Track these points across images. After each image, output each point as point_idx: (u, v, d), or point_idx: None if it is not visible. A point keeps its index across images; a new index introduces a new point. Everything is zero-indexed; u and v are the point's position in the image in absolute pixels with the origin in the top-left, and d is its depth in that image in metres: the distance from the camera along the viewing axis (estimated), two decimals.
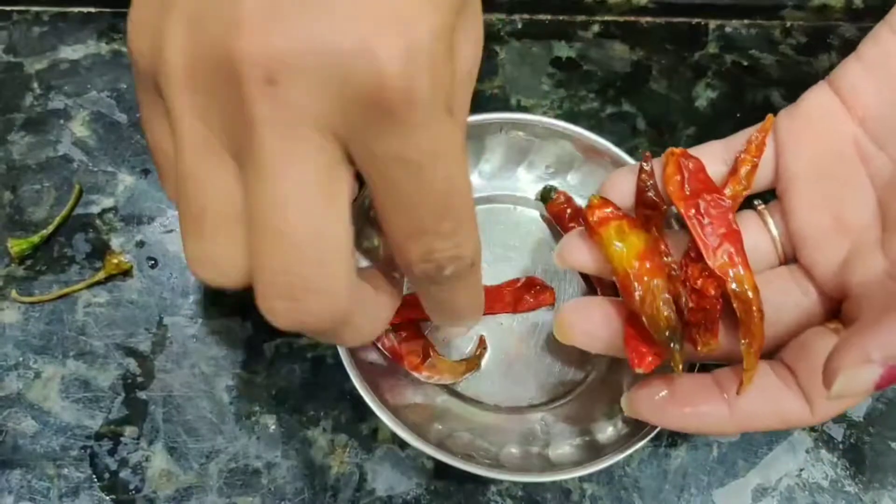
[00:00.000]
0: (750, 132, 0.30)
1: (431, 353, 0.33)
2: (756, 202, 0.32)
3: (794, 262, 0.30)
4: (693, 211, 0.28)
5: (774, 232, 0.30)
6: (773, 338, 0.28)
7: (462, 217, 0.22)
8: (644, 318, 0.28)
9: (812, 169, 0.28)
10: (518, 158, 0.38)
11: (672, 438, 0.36)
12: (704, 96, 0.42)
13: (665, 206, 0.30)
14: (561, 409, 0.35)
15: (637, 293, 0.28)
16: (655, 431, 0.31)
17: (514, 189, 0.38)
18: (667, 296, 0.27)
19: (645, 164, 0.30)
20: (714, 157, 0.30)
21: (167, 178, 0.24)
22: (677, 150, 0.30)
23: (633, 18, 0.44)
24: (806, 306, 0.29)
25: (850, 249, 0.27)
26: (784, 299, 0.28)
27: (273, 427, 0.35)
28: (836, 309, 0.28)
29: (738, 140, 0.30)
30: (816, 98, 0.29)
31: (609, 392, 0.35)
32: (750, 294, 0.27)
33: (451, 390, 0.35)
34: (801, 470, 0.36)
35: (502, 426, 0.34)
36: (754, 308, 0.27)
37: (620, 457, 0.31)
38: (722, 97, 0.42)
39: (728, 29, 0.44)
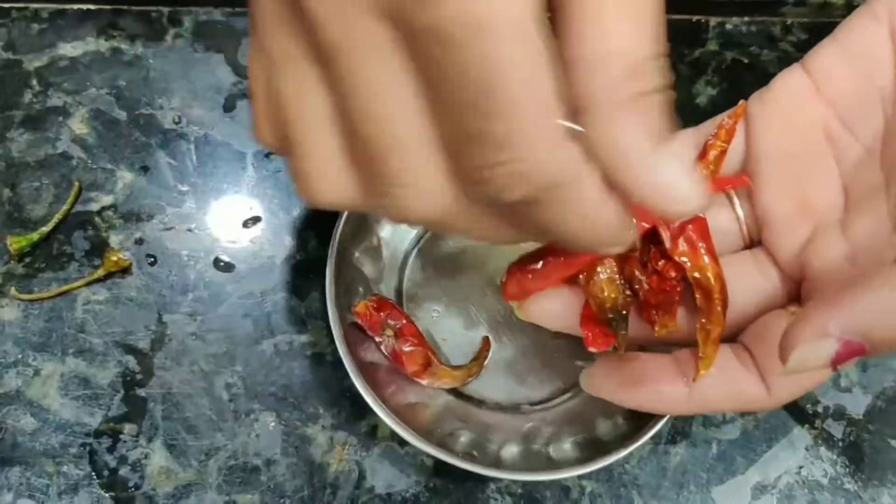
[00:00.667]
0: (722, 118, 0.30)
1: (433, 361, 0.33)
2: None
3: (759, 244, 0.30)
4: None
5: (740, 213, 0.29)
6: (733, 321, 0.27)
7: (521, 114, 0.17)
8: (589, 299, 0.27)
9: (779, 151, 0.28)
10: None
11: (672, 436, 0.36)
12: (705, 93, 0.42)
13: None
14: (561, 408, 0.35)
15: (583, 273, 0.27)
16: (656, 429, 0.31)
17: None
18: (612, 276, 0.27)
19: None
20: (685, 143, 0.30)
21: (261, 116, 0.22)
22: None
23: None
24: (767, 290, 0.28)
25: (812, 232, 0.27)
26: (745, 283, 0.28)
27: (272, 425, 0.35)
28: (798, 293, 0.28)
29: (711, 126, 0.30)
30: (788, 80, 0.29)
31: None
32: (713, 282, 0.26)
33: (451, 389, 0.35)
34: (801, 467, 0.36)
35: (503, 425, 0.34)
36: (716, 297, 0.26)
37: (619, 456, 0.31)
38: (722, 94, 0.42)
39: (728, 26, 0.44)
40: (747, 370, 0.26)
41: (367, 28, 0.17)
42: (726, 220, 0.30)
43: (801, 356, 0.21)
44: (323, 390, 0.35)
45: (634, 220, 0.21)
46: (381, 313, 0.33)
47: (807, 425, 0.36)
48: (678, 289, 0.28)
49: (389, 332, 0.33)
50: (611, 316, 0.27)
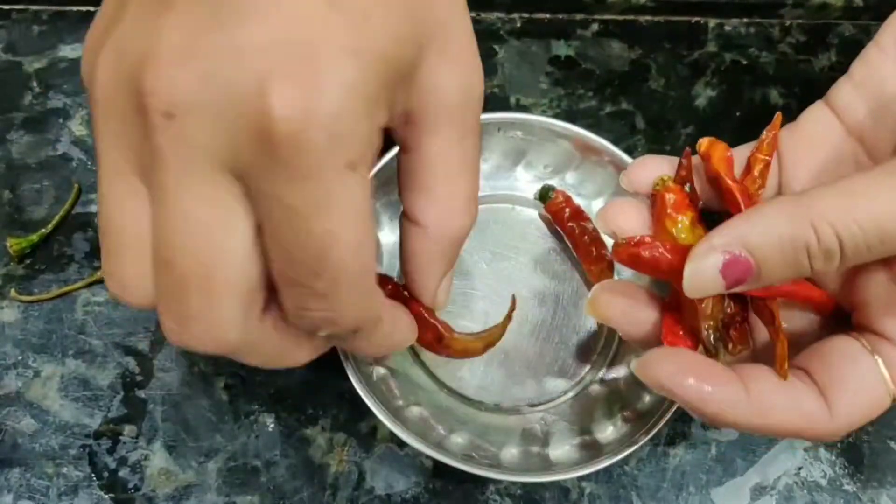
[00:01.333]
0: (755, 143, 0.31)
1: (444, 334, 0.31)
2: None
3: None
4: (741, 193, 0.28)
5: None
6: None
7: (342, 280, 0.20)
8: (699, 315, 0.27)
9: (810, 182, 0.29)
10: (516, 158, 0.38)
11: (671, 438, 0.36)
12: (703, 95, 0.42)
13: (701, 204, 0.30)
14: (560, 409, 0.35)
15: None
16: (655, 431, 0.31)
17: (513, 189, 0.38)
18: (720, 295, 0.27)
19: (684, 159, 0.30)
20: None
21: None
22: (715, 140, 0.30)
23: (632, 17, 0.44)
24: (813, 318, 0.29)
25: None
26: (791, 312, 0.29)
27: (272, 426, 0.35)
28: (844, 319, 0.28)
29: (747, 149, 0.31)
30: (815, 115, 0.29)
31: (608, 392, 0.35)
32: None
33: (450, 390, 0.35)
34: (800, 469, 0.36)
35: (502, 426, 0.34)
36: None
37: (618, 457, 0.31)
38: (721, 96, 0.42)
39: (727, 27, 0.44)
40: (807, 386, 0.25)
41: (204, 174, 0.19)
42: None
43: (693, 267, 0.24)
44: (322, 391, 0.35)
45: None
46: (385, 288, 0.31)
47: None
48: (747, 312, 0.28)
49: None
50: (712, 334, 0.27)
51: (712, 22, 0.44)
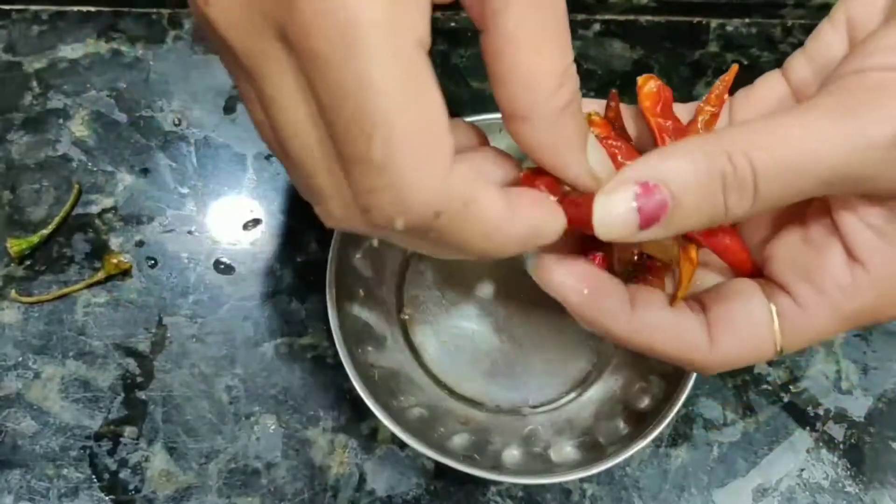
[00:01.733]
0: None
1: None
2: None
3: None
4: (663, 128, 0.29)
5: None
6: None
7: (398, 142, 0.17)
8: (616, 257, 0.27)
9: None
10: (519, 159, 0.38)
11: (672, 439, 0.36)
12: (705, 95, 0.42)
13: (632, 143, 0.30)
14: (561, 411, 0.35)
15: None
16: (657, 432, 0.31)
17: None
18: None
19: (611, 101, 0.30)
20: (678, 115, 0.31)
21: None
22: (654, 76, 0.30)
23: (633, 17, 0.44)
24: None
25: (773, 228, 0.28)
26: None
27: (273, 427, 0.35)
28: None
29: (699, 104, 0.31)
30: (768, 82, 0.29)
31: (610, 394, 0.35)
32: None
33: (451, 391, 0.35)
34: (802, 470, 0.36)
35: (504, 427, 0.34)
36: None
37: (619, 459, 0.31)
38: None
39: (728, 28, 0.44)
40: (694, 314, 0.25)
41: (265, 48, 0.18)
42: None
43: (604, 201, 0.21)
44: (323, 393, 0.35)
45: (559, 211, 0.23)
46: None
47: (808, 428, 0.36)
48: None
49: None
50: (628, 269, 0.27)
51: (714, 22, 0.44)
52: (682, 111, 0.30)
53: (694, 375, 0.32)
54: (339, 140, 0.18)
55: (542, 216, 0.22)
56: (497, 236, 0.21)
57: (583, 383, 0.35)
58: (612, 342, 0.28)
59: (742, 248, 0.27)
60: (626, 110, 0.30)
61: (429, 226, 0.19)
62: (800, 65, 0.29)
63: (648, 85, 0.29)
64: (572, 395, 0.35)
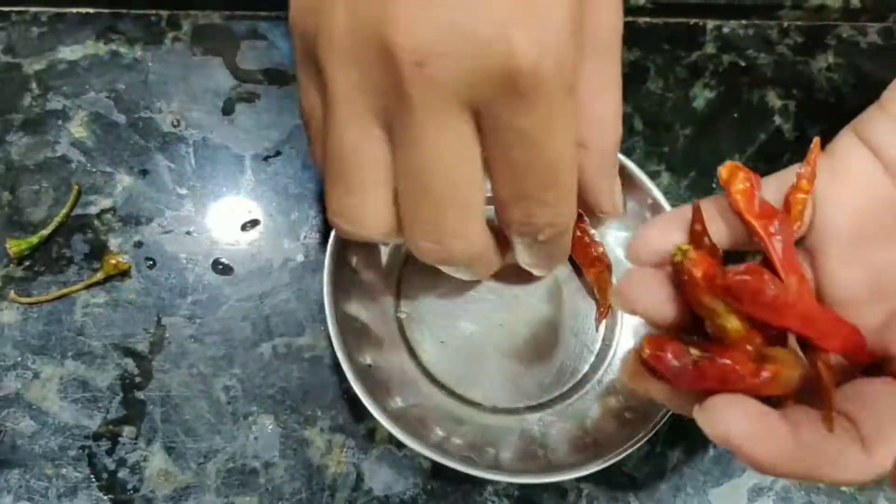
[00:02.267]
0: (796, 168, 0.28)
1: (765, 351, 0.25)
2: None
3: None
4: (771, 232, 0.26)
5: (809, 275, 0.28)
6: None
7: (565, 188, 0.25)
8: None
9: (852, 227, 0.27)
10: None
11: (669, 439, 0.36)
12: (702, 96, 0.43)
13: (721, 255, 0.27)
14: (558, 410, 0.35)
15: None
16: (653, 432, 0.31)
17: None
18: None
19: (696, 212, 0.27)
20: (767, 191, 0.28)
21: (316, 143, 0.28)
22: (740, 165, 0.27)
23: (630, 18, 0.44)
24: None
25: (889, 313, 0.26)
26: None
27: (271, 427, 0.35)
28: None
29: (788, 175, 0.28)
30: (849, 149, 0.28)
31: (606, 393, 0.35)
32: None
33: (449, 391, 0.35)
34: None
35: (500, 427, 0.34)
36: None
37: (616, 459, 0.31)
38: (719, 97, 0.42)
39: (725, 29, 0.44)
40: (850, 436, 0.24)
41: (450, 112, 0.23)
42: None
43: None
44: (321, 393, 0.35)
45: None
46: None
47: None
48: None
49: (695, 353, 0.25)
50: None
51: (711, 23, 0.44)
52: (773, 185, 0.28)
53: None
54: (520, 184, 0.25)
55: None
56: (568, 246, 0.30)
57: (580, 383, 0.36)
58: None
59: (867, 354, 0.26)
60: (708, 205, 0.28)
61: (555, 239, 0.27)
62: (883, 128, 0.27)
63: (738, 179, 0.26)
64: (569, 394, 0.35)
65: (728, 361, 0.23)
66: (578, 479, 0.35)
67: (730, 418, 0.22)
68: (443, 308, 0.36)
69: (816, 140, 0.28)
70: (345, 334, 0.32)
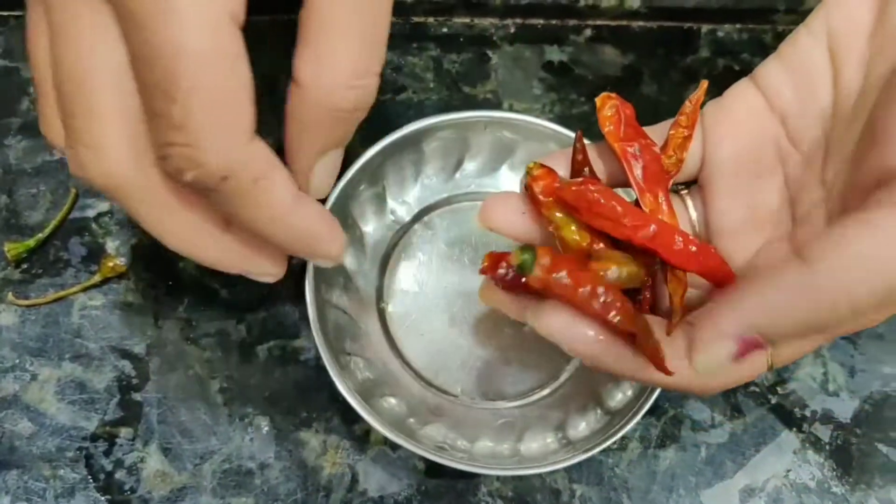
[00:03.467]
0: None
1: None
2: (679, 187, 0.32)
3: None
4: (628, 152, 0.28)
5: (693, 216, 0.30)
6: None
7: (195, 101, 0.19)
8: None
9: (734, 162, 0.29)
10: (503, 157, 0.38)
11: (661, 440, 0.36)
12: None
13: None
14: (536, 405, 0.35)
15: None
16: (630, 426, 0.32)
17: (499, 187, 0.39)
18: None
19: (577, 143, 0.29)
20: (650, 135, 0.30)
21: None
22: (613, 95, 0.29)
23: (625, 23, 0.44)
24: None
25: (762, 243, 0.28)
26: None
27: (266, 428, 0.35)
28: None
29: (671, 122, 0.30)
30: (741, 93, 0.29)
31: (584, 388, 0.35)
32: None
33: (428, 383, 0.35)
34: (789, 471, 0.36)
35: (477, 420, 0.35)
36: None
37: (587, 455, 0.32)
38: None
39: (720, 33, 0.44)
40: (677, 339, 0.25)
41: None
42: (681, 224, 0.30)
43: (705, 359, 0.23)
44: (316, 395, 0.36)
45: (343, 238, 0.26)
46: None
47: (794, 429, 0.37)
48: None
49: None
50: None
51: (705, 28, 0.45)
52: (654, 133, 0.30)
53: None
54: (146, 94, 0.19)
55: (325, 229, 0.25)
56: (280, 224, 0.23)
57: (557, 378, 0.36)
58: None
59: (725, 268, 0.27)
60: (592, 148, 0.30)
61: (216, 187, 0.20)
62: (775, 73, 0.28)
63: (606, 107, 0.29)
64: (547, 389, 0.36)
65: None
66: (571, 480, 0.35)
67: (551, 318, 0.24)
68: (424, 301, 0.37)
69: (704, 82, 0.29)
70: (326, 326, 0.33)
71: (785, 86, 0.28)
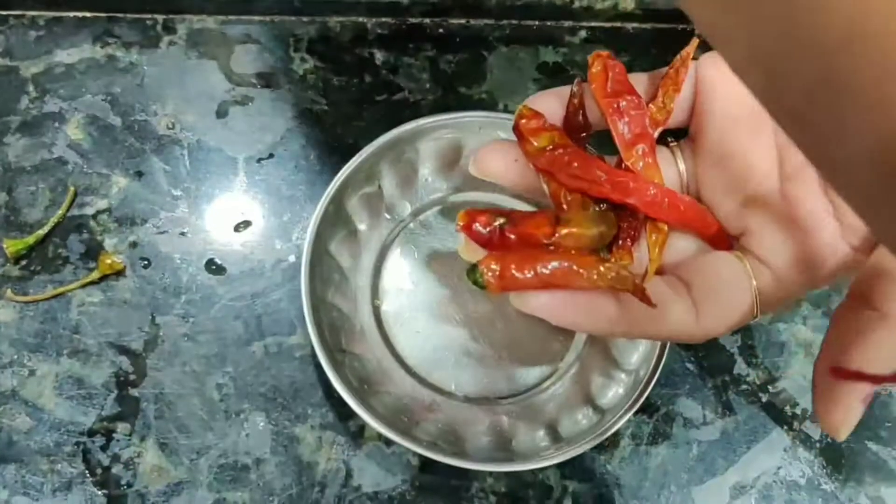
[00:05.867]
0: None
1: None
2: (669, 139, 0.31)
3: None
4: (613, 108, 0.29)
5: (682, 167, 0.30)
6: (670, 265, 0.29)
7: None
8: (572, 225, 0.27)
9: (725, 115, 0.29)
10: None
11: (653, 437, 0.36)
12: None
13: (591, 132, 0.30)
14: (528, 402, 0.36)
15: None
16: (621, 423, 0.32)
17: (493, 188, 0.39)
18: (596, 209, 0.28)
19: (575, 87, 0.29)
20: (639, 85, 0.30)
21: None
22: (604, 53, 0.30)
23: (619, 24, 0.45)
24: (702, 244, 0.30)
25: (751, 194, 0.28)
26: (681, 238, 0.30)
27: (262, 424, 0.36)
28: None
29: (664, 72, 0.30)
30: None
31: (576, 387, 0.36)
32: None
33: (422, 380, 0.36)
34: (779, 468, 0.36)
35: (470, 417, 0.35)
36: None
37: (579, 451, 0.32)
38: None
39: None
40: (679, 296, 0.27)
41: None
42: (669, 174, 0.30)
43: (847, 424, 0.26)
44: (312, 391, 0.36)
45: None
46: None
47: (785, 427, 0.37)
48: (636, 224, 0.28)
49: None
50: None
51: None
52: (639, 81, 0.30)
53: (657, 376, 0.33)
54: None
55: None
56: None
57: (550, 376, 0.36)
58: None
59: (717, 226, 0.28)
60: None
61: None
62: None
63: (595, 64, 0.29)
64: (540, 387, 0.36)
65: (526, 226, 0.26)
66: (563, 476, 0.35)
67: (530, 300, 0.26)
68: (419, 298, 0.37)
69: (695, 39, 0.30)
70: (321, 322, 0.33)
71: None
